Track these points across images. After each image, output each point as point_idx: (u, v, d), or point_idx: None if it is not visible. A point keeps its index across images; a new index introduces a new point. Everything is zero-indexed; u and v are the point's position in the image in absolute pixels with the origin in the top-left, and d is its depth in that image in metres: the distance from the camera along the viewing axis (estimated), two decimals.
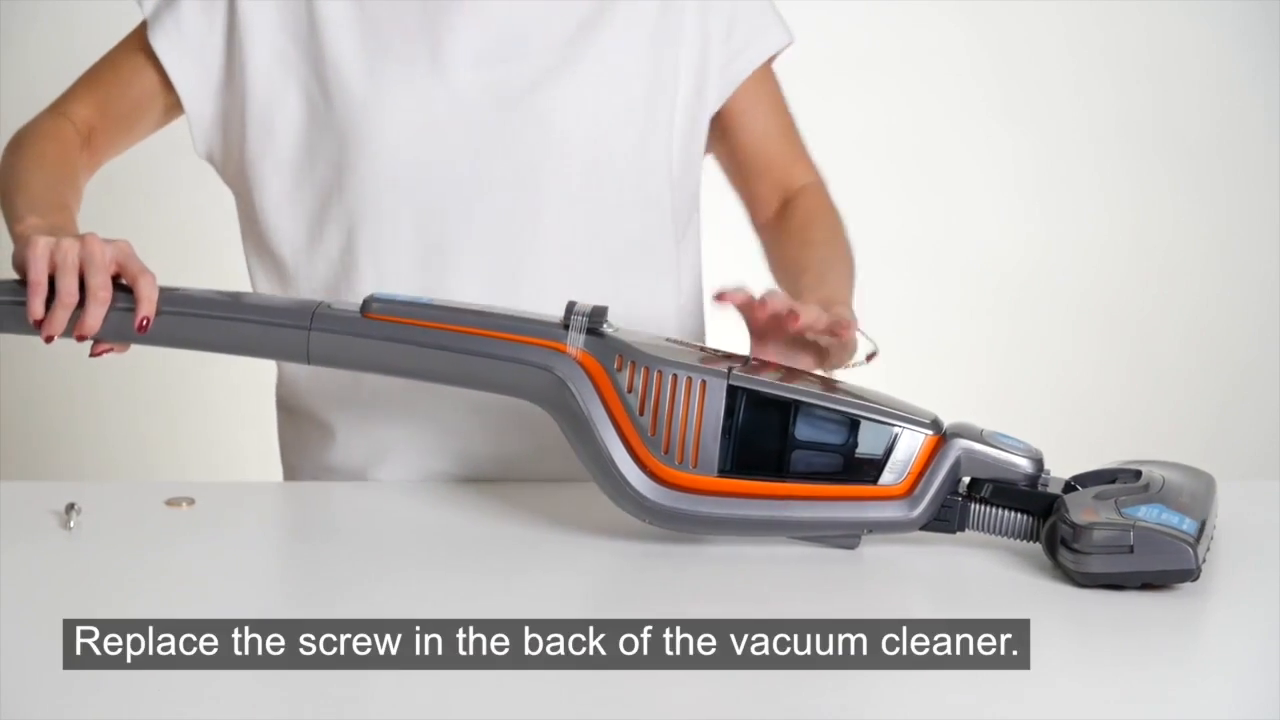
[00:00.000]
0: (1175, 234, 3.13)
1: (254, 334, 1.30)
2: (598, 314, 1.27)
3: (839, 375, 1.34)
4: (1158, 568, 1.16)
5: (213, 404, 2.96)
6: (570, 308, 1.27)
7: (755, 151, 1.59)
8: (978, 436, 1.24)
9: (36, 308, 1.27)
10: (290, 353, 1.30)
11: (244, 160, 1.50)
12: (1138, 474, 1.26)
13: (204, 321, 1.30)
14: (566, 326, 1.27)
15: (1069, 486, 1.25)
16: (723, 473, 1.23)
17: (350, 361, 1.30)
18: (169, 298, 1.30)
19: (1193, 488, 1.26)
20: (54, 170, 1.46)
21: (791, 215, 1.58)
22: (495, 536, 1.30)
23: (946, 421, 1.26)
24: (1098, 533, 1.16)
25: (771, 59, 1.58)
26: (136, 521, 1.31)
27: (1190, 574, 1.16)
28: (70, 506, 1.29)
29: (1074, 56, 3.09)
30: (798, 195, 1.59)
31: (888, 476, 1.23)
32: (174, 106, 1.54)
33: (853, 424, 1.23)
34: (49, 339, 1.27)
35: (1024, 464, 1.24)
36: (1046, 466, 1.25)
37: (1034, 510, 1.23)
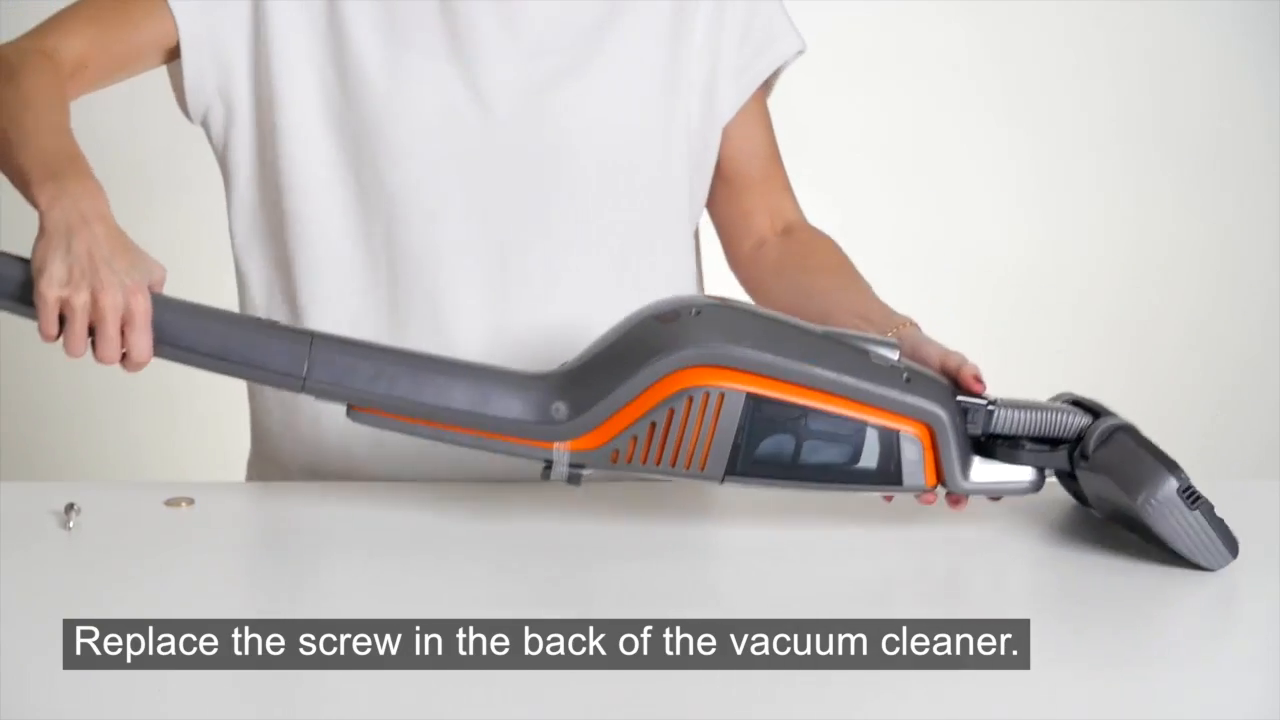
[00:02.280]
0: (1175, 234, 3.12)
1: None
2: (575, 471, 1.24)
3: None
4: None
5: (212, 404, 2.95)
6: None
7: (746, 168, 1.56)
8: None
9: (47, 338, 1.23)
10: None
11: (275, 144, 1.47)
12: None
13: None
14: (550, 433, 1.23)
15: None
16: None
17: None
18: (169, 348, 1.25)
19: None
20: (51, 110, 1.34)
21: (813, 242, 1.55)
22: (495, 536, 1.30)
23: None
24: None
25: (783, 67, 1.56)
26: (136, 521, 1.31)
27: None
28: (70, 507, 1.28)
29: (1074, 56, 3.09)
30: (808, 229, 1.57)
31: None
32: (173, 57, 1.48)
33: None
34: None
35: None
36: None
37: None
